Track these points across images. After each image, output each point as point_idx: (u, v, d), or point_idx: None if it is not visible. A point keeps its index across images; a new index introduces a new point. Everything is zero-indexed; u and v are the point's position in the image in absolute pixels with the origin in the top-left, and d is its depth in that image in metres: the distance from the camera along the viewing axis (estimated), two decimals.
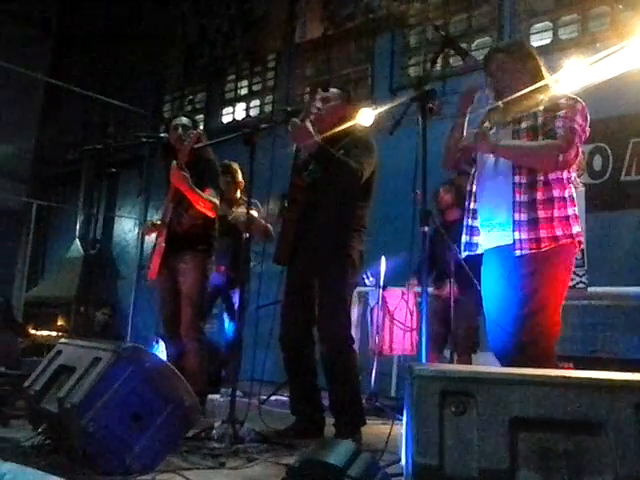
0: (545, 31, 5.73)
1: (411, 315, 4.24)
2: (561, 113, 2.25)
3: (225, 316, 4.60)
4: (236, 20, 8.49)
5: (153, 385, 2.10)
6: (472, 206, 2.49)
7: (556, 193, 2.27)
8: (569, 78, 3.04)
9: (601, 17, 5.39)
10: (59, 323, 9.09)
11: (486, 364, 4.28)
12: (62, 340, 2.55)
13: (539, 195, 2.26)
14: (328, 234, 2.84)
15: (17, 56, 9.41)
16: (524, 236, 2.25)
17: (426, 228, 2.19)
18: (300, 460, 1.73)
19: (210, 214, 3.36)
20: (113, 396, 2.02)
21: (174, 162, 3.24)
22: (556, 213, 2.25)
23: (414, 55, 6.68)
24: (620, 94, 4.48)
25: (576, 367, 3.59)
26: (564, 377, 1.25)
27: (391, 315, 4.27)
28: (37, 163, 11.02)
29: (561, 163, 2.22)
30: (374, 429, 3.26)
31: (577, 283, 4.49)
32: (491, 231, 2.39)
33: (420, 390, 1.31)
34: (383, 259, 3.98)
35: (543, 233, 2.24)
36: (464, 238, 2.49)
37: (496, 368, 1.54)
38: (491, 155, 2.35)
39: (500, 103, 2.35)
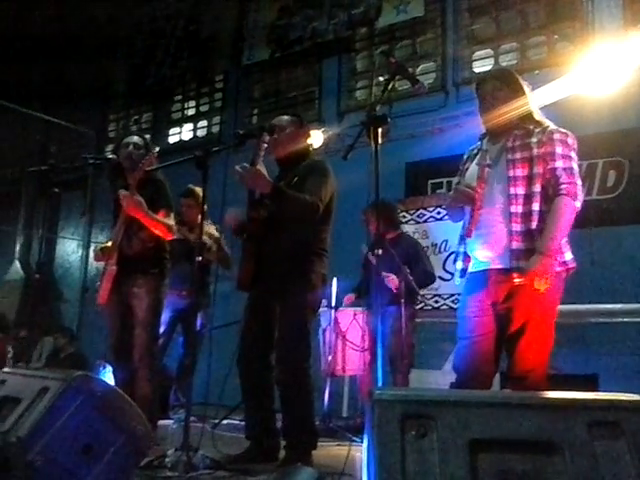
0: (487, 58, 5.98)
1: (363, 335, 4.26)
2: (559, 151, 2.30)
3: (182, 340, 4.51)
4: (184, 40, 8.45)
5: (105, 415, 2.02)
6: (466, 233, 2.47)
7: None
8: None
9: (539, 46, 5.70)
10: None
11: (422, 381, 4.35)
12: (5, 369, 2.44)
13: (534, 225, 2.28)
14: (289, 260, 2.84)
15: None
16: (523, 264, 2.25)
17: (380, 251, 2.22)
18: None
19: (167, 237, 3.32)
20: (62, 428, 1.93)
21: (122, 190, 3.16)
22: None
23: (361, 79, 6.82)
24: None
25: None
26: (520, 398, 1.29)
27: (343, 336, 4.29)
28: None
29: (579, 206, 2.28)
30: (329, 451, 3.26)
31: None
32: (484, 256, 2.40)
33: (381, 414, 1.32)
34: (335, 280, 4.00)
35: None
36: (459, 265, 2.51)
37: (455, 391, 1.56)
38: (489, 183, 2.38)
39: (484, 146, 2.43)
